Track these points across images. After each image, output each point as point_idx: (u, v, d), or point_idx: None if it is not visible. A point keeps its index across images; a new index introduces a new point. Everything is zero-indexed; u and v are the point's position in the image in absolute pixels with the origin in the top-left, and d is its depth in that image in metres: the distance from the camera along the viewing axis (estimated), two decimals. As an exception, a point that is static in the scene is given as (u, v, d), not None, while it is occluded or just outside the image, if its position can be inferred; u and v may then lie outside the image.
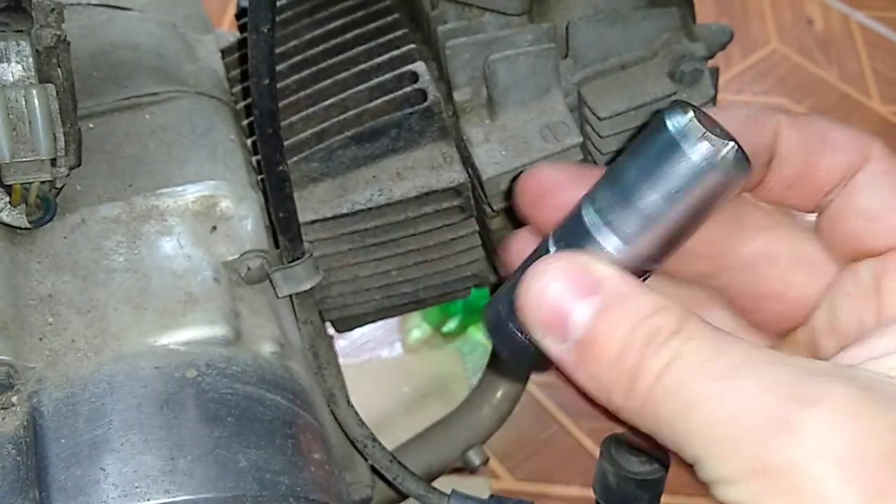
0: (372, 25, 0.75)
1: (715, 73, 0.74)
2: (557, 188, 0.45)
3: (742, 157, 0.37)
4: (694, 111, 0.38)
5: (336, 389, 0.68)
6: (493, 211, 0.72)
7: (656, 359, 0.36)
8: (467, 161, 0.71)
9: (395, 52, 0.73)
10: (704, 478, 0.35)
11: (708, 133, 0.37)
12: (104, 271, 0.60)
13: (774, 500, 0.33)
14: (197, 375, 0.56)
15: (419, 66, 0.71)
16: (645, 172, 0.38)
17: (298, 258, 0.64)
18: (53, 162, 0.60)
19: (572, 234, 0.40)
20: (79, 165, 0.62)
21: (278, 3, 0.65)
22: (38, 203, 0.60)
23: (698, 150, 0.37)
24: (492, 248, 0.77)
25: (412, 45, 0.73)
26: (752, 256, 0.46)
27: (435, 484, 0.70)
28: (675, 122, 0.37)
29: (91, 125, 0.68)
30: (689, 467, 0.36)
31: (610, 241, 0.39)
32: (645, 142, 0.38)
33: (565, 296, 0.38)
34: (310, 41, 0.76)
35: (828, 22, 2.36)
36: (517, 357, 0.43)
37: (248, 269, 0.63)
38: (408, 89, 0.71)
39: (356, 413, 0.70)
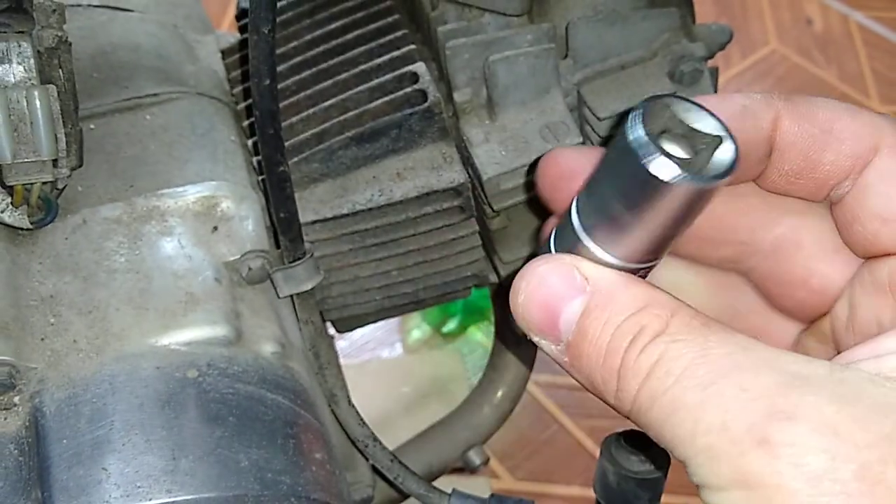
0: (372, 26, 0.75)
1: (714, 73, 0.74)
2: (577, 172, 0.43)
3: (718, 165, 0.35)
4: (677, 102, 0.36)
5: (337, 389, 0.69)
6: (494, 211, 0.72)
7: (640, 361, 0.36)
8: (467, 161, 0.71)
9: (396, 53, 0.73)
10: (693, 481, 0.35)
11: (669, 145, 0.35)
12: (105, 272, 0.60)
13: None
14: (198, 375, 0.56)
15: (419, 67, 0.71)
16: (611, 184, 0.36)
17: (299, 258, 0.64)
18: (55, 163, 0.60)
19: (565, 234, 0.40)
20: (80, 166, 0.62)
21: (279, 4, 0.65)
22: (39, 204, 0.61)
23: (656, 166, 0.34)
24: (492, 247, 0.77)
25: (412, 46, 0.73)
26: (777, 241, 0.45)
27: (435, 484, 0.70)
28: (634, 134, 0.34)
29: (92, 126, 0.68)
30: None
31: (594, 244, 0.38)
32: (611, 150, 0.37)
33: (554, 297, 0.38)
34: (310, 42, 0.76)
35: (827, 22, 2.36)
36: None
37: (249, 269, 0.63)
38: (408, 90, 0.71)
39: (357, 413, 0.70)
